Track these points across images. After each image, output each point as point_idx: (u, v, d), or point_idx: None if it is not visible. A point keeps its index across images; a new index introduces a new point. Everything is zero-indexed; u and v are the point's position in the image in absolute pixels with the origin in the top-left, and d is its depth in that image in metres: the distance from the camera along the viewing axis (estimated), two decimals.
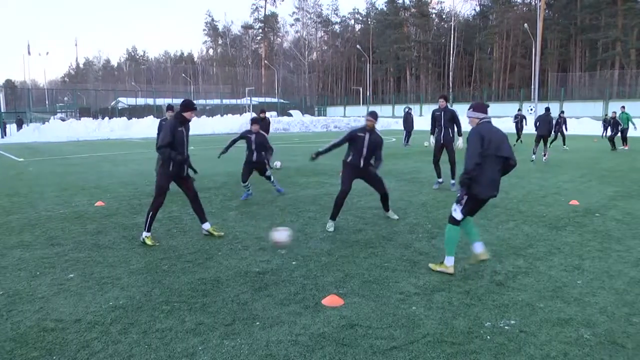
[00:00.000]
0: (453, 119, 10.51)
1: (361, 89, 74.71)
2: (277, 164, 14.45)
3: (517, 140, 23.35)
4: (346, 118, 56.91)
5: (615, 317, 4.13)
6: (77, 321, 4.12)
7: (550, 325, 3.99)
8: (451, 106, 52.92)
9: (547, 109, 17.10)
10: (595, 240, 6.53)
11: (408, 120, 25.23)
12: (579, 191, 10.26)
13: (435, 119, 10.70)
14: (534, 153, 16.67)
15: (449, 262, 5.24)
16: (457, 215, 5.19)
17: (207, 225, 6.89)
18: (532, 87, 53.48)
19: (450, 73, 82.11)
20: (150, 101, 63.86)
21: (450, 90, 75.61)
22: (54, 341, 3.78)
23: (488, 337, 3.80)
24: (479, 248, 5.23)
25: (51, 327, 4.01)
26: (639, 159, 17.43)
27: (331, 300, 4.43)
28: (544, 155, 16.47)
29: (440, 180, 10.91)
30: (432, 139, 10.84)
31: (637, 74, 60.60)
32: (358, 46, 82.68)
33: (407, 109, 26.12)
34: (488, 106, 5.32)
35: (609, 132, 22.95)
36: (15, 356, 3.57)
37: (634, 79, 59.88)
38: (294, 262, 5.60)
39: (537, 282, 4.97)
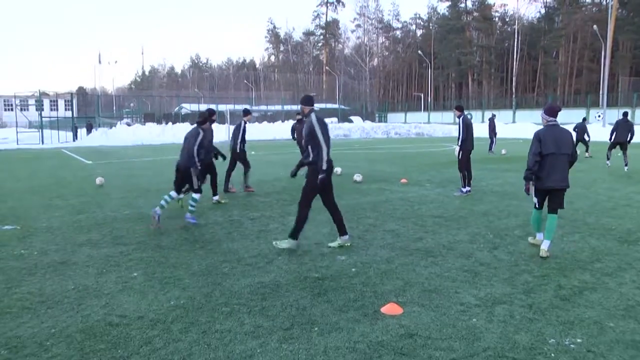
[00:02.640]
0: (458, 129, 10.85)
1: (422, 95, 73.77)
2: (338, 170, 14.49)
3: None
4: (407, 124, 56.33)
5: None
6: (140, 318, 4.29)
7: (622, 347, 3.76)
8: (514, 113, 50.88)
9: (625, 114, 16.16)
10: None
11: (491, 127, 24.73)
12: None
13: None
14: (609, 158, 15.93)
15: (539, 237, 6.52)
16: (534, 199, 6.36)
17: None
18: (601, 92, 51.16)
19: (514, 78, 79.84)
20: (212, 107, 65.49)
21: (514, 96, 73.38)
22: (119, 335, 3.95)
23: (552, 354, 3.65)
24: (545, 245, 6.09)
25: (116, 322, 4.20)
26: None
27: (390, 309, 4.40)
28: (625, 164, 15.49)
29: (465, 188, 10.95)
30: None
31: None
32: (419, 51, 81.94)
33: (492, 116, 25.66)
34: (560, 109, 6.22)
35: None
36: (85, 347, 3.77)
37: None
38: (353, 269, 5.60)
39: (606, 299, 4.72)
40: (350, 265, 5.74)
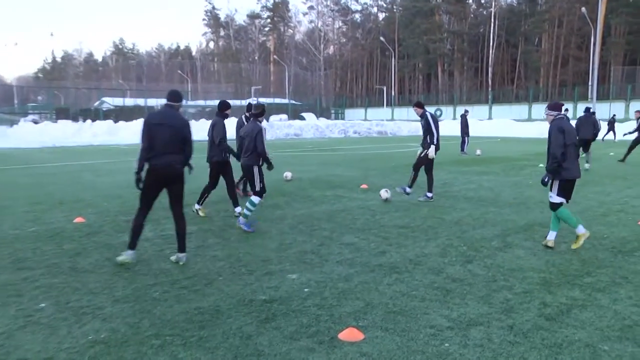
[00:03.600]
0: (427, 126, 11.05)
1: (385, 88, 74.87)
2: (288, 175, 14.49)
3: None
4: (367, 122, 56.93)
5: None
6: None
7: None
8: (490, 108, 52.17)
9: (588, 109, 17.39)
10: None
11: (464, 124, 25.18)
12: None
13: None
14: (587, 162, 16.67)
15: (580, 230, 7.16)
16: (555, 199, 7.20)
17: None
18: (590, 83, 52.98)
19: (490, 69, 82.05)
20: (140, 101, 64.42)
21: (490, 90, 75.37)
22: None
23: None
24: (581, 230, 7.15)
25: None
26: None
27: (349, 334, 4.41)
28: (587, 163, 16.71)
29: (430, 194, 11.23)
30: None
31: None
32: (382, 38, 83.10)
33: (464, 112, 26.15)
34: (562, 105, 7.53)
35: None
36: None
37: None
38: (306, 289, 5.59)
39: (599, 318, 4.85)
40: (303, 285, 5.73)
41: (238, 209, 9.59)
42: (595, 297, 5.38)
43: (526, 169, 17.69)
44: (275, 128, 43.95)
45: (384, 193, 11.25)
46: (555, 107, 7.42)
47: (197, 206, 9.97)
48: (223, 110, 9.89)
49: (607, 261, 6.69)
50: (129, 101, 68.16)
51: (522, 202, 11.01)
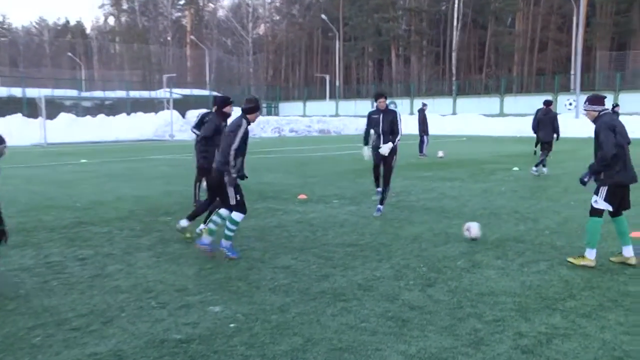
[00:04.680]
0: (394, 123, 11.26)
1: (328, 78, 75.32)
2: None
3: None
4: (307, 118, 57.22)
5: None
6: None
7: None
8: (454, 101, 53.50)
9: (548, 103, 18.11)
10: None
11: (422, 120, 25.49)
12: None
13: (372, 123, 11.46)
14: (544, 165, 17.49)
15: (591, 255, 7.42)
16: (601, 205, 7.44)
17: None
18: (572, 72, 54.72)
19: (454, 54, 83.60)
20: (16, 91, 62.24)
21: (454, 79, 76.88)
22: None
23: None
24: (628, 252, 7.49)
25: None
26: None
27: None
28: (539, 165, 17.51)
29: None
30: (367, 150, 11.65)
31: None
32: (323, 16, 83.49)
33: (422, 105, 26.41)
34: (605, 97, 7.82)
35: None
36: None
37: None
38: (232, 324, 5.55)
39: (585, 349, 4.98)
40: (228, 319, 5.69)
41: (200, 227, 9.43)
42: (580, 325, 5.54)
43: (497, 174, 18.13)
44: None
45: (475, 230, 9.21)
46: (597, 101, 7.65)
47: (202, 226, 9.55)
48: (220, 107, 9.85)
49: (593, 281, 6.90)
50: (2, 91, 65.73)
51: (492, 213, 11.27)
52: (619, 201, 7.54)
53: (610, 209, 7.47)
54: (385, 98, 11.43)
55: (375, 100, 11.45)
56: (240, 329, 5.44)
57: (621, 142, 7.36)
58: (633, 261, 7.42)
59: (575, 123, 42.20)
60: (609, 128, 7.33)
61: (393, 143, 11.17)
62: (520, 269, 7.38)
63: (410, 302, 6.15)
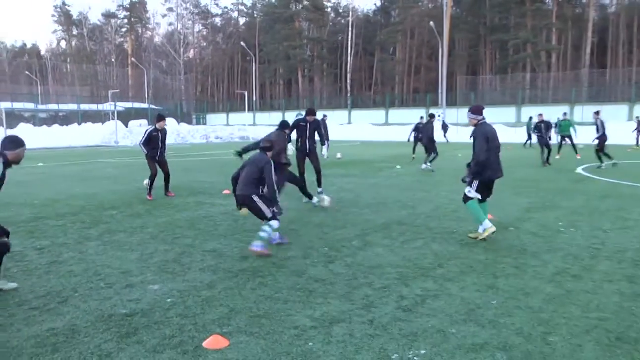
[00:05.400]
0: (318, 129, 11.78)
1: (247, 94, 74.86)
2: (146, 182, 14.06)
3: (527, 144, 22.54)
4: (230, 127, 56.65)
5: (532, 338, 4.44)
6: None
7: (464, 351, 4.20)
8: (350, 113, 54.16)
9: (432, 116, 19.18)
10: (510, 256, 7.02)
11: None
12: (493, 204, 10.83)
13: (299, 130, 11.75)
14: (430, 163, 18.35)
15: (486, 224, 7.67)
16: (473, 194, 7.72)
17: None
18: (440, 91, 56.58)
19: (349, 75, 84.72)
20: None
21: (349, 95, 77.88)
22: None
23: None
24: (487, 224, 7.69)
25: None
26: (551, 168, 19.01)
27: (214, 342, 4.37)
28: (424, 163, 18.59)
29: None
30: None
31: (549, 78, 66.09)
32: (242, 43, 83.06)
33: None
34: (484, 108, 7.95)
35: (535, 139, 23.98)
36: None
37: (545, 83, 65.23)
38: (169, 300, 5.46)
39: (449, 305, 5.22)
40: (165, 295, 5.59)
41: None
42: (446, 287, 5.77)
43: (384, 171, 18.50)
44: (135, 134, 42.47)
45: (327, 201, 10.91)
46: (478, 111, 7.82)
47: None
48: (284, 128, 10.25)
49: (456, 253, 7.18)
50: None
51: (381, 203, 11.48)
52: (487, 192, 7.96)
53: (479, 197, 7.80)
54: (313, 114, 11.72)
55: (306, 115, 11.68)
56: (176, 303, 5.36)
57: (493, 147, 7.62)
58: (476, 235, 7.87)
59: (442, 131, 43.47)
60: (483, 136, 7.55)
61: (322, 144, 12.17)
62: (402, 246, 7.57)
63: (315, 276, 6.21)
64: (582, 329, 4.62)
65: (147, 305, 5.33)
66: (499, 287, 5.77)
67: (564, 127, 23.49)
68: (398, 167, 19.90)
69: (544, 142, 19.99)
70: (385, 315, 4.96)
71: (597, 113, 18.80)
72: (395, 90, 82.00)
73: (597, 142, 18.61)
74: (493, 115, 51.71)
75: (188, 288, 5.83)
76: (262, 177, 7.27)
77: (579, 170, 17.88)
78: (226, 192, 13.07)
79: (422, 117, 22.70)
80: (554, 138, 22.17)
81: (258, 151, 7.80)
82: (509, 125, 46.68)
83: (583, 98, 53.33)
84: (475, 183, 7.75)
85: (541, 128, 20.41)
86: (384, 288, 5.74)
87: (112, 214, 10.46)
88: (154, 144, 12.45)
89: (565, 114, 25.35)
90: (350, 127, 58.29)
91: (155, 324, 4.84)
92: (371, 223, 9.26)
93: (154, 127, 12.50)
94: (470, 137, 7.83)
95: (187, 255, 7.24)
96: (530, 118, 29.51)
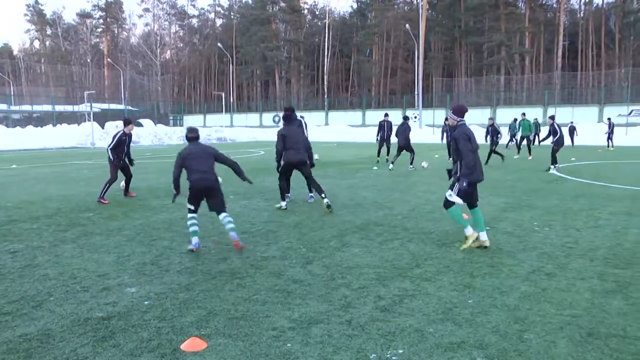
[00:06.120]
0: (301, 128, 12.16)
1: (224, 95, 74.49)
2: (122, 183, 13.91)
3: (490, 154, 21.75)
4: (207, 128, 56.36)
5: (507, 336, 4.49)
6: None
7: (441, 350, 4.23)
8: (327, 114, 54.16)
9: (406, 117, 19.31)
10: (486, 255, 7.09)
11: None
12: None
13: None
14: (392, 162, 19.02)
15: (468, 231, 7.44)
16: (455, 199, 7.39)
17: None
18: (416, 93, 57.05)
19: (325, 76, 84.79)
20: None
21: (326, 96, 77.99)
22: None
23: None
24: (484, 237, 7.41)
25: None
26: (526, 168, 19.23)
27: (192, 345, 4.33)
28: (388, 163, 19.33)
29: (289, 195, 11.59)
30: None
31: (522, 80, 67.24)
32: (219, 44, 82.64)
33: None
34: (466, 110, 7.71)
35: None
36: None
37: (519, 85, 66.38)
38: (146, 302, 5.39)
39: (426, 305, 5.24)
40: (142, 298, 5.52)
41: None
42: (423, 287, 5.80)
43: (361, 172, 18.52)
44: (111, 135, 42.05)
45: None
46: (459, 112, 7.55)
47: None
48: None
49: (433, 253, 7.22)
50: None
51: (358, 203, 11.50)
52: (470, 196, 7.52)
53: (461, 202, 7.45)
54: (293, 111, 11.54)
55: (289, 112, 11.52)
56: (153, 306, 5.30)
57: (474, 148, 7.36)
58: (487, 244, 7.40)
59: (419, 132, 43.92)
60: (466, 137, 7.28)
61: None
62: (380, 247, 7.59)
63: (293, 277, 6.19)
64: (555, 326, 4.68)
65: (123, 308, 5.26)
66: (475, 286, 5.82)
67: (524, 127, 24.94)
68: (375, 168, 19.95)
69: (493, 143, 21.34)
70: (363, 315, 4.96)
71: (552, 118, 19.20)
72: (372, 91, 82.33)
73: (553, 145, 19.05)
74: (468, 117, 52.31)
75: (165, 290, 5.77)
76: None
77: (553, 170, 18.10)
78: None
79: (386, 114, 22.31)
80: (506, 138, 23.47)
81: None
82: (484, 126, 47.00)
83: (555, 100, 54.18)
84: (457, 187, 7.36)
85: (489, 131, 21.78)
86: (362, 288, 5.74)
87: (88, 216, 10.33)
88: (121, 148, 12.45)
89: (523, 114, 26.42)
90: (327, 128, 58.41)
91: (132, 327, 4.78)
92: (348, 224, 9.27)
93: (122, 131, 12.44)
94: (448, 139, 7.83)
95: (165, 257, 7.17)
96: (515, 119, 30.04)
